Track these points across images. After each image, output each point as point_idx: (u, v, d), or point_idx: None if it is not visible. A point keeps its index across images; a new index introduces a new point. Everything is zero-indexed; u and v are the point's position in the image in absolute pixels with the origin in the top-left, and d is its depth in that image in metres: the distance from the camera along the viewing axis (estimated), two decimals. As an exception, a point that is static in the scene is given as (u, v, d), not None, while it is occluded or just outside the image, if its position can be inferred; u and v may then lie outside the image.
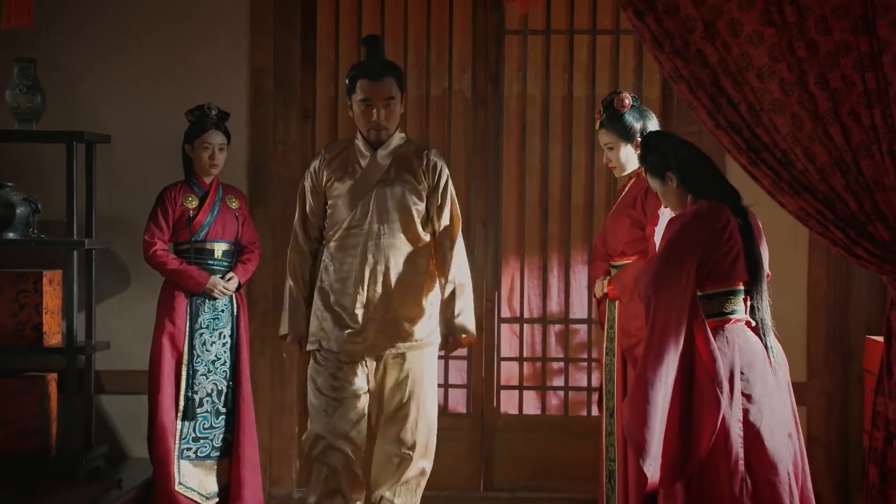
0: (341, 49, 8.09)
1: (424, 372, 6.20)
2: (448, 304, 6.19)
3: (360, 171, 6.06)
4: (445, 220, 6.13)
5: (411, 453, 6.22)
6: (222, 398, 7.16)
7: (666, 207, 5.88)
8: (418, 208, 6.05)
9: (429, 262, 6.14)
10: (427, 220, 6.14)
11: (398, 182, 6.03)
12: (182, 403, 7.08)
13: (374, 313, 6.02)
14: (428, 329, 6.19)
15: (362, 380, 6.11)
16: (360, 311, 6.01)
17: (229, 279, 7.10)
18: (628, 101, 6.30)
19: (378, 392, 6.21)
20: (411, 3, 8.00)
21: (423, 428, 6.24)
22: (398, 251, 6.02)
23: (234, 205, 7.21)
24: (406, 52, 7.95)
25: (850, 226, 5.01)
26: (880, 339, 5.37)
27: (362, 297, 6.01)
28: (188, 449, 7.09)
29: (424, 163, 6.09)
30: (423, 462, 6.30)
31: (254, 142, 7.81)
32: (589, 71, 8.07)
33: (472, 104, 8.01)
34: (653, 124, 6.33)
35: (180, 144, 7.28)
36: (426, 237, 6.10)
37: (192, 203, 7.14)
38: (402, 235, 6.02)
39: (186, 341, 7.11)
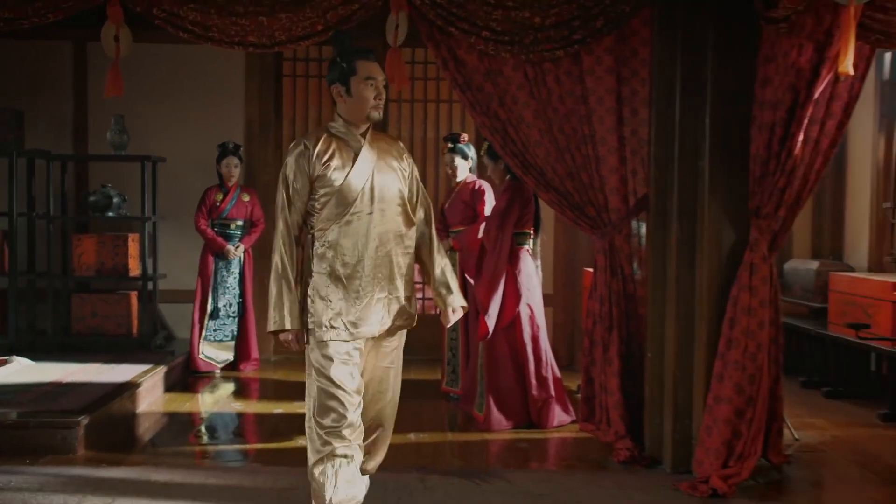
0: (297, 110, 8.12)
1: (401, 345, 3.94)
2: (444, 282, 3.93)
3: (356, 158, 3.69)
4: (422, 207, 3.91)
5: (386, 427, 3.96)
6: (232, 308, 7.27)
7: (485, 198, 6.13)
8: (405, 193, 3.80)
9: (414, 243, 3.87)
10: (411, 205, 3.85)
11: (388, 168, 3.76)
12: (209, 309, 7.21)
13: (379, 293, 3.71)
14: (414, 306, 3.88)
15: (361, 361, 3.75)
16: (369, 295, 3.68)
17: (237, 247, 7.22)
18: (466, 137, 6.35)
19: (368, 367, 3.83)
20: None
21: (395, 402, 3.95)
22: (395, 234, 3.74)
23: (246, 198, 7.29)
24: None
25: (576, 208, 5.09)
26: (591, 270, 5.56)
27: (370, 281, 3.68)
28: (209, 335, 7.22)
29: (403, 152, 3.88)
30: (389, 430, 3.99)
31: (248, 160, 7.82)
32: (435, 123, 8.17)
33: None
34: (473, 151, 6.36)
35: (208, 163, 7.35)
36: (412, 219, 3.83)
37: (219, 197, 7.26)
38: (396, 219, 3.75)
39: (212, 276, 7.22)
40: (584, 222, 5.10)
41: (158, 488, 4.34)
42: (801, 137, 4.36)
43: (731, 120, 4.53)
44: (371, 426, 3.87)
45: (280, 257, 3.67)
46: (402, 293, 3.78)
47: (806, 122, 4.34)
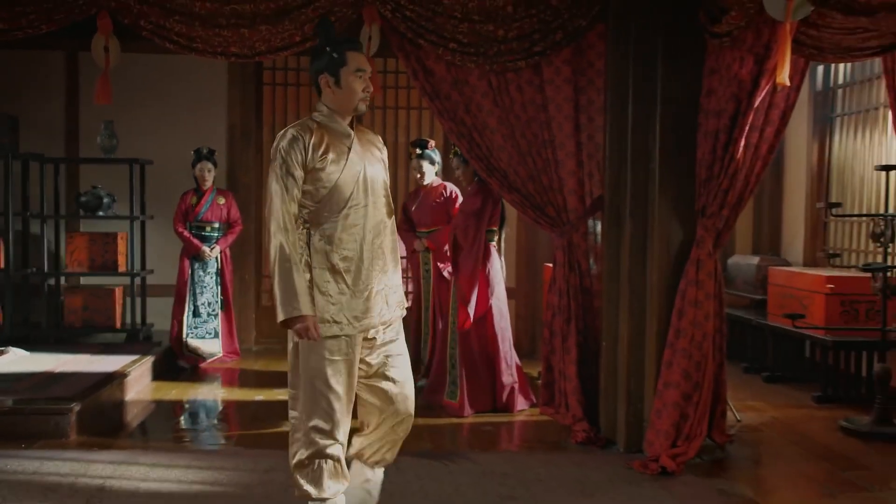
0: (276, 116, 8.08)
1: (403, 334, 3.58)
2: (399, 284, 3.57)
3: (349, 150, 3.35)
4: (391, 201, 3.55)
5: (410, 416, 3.57)
6: (212, 306, 7.15)
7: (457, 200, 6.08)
8: (387, 184, 3.50)
9: (396, 233, 3.54)
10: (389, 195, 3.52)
11: (375, 160, 3.46)
12: (191, 308, 7.09)
13: (378, 286, 3.40)
14: (402, 293, 3.56)
15: (356, 357, 3.40)
16: (370, 287, 3.37)
17: (212, 248, 7.08)
18: (433, 143, 6.30)
19: (367, 359, 3.47)
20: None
21: (412, 388, 3.56)
22: (384, 225, 3.44)
23: (221, 201, 7.14)
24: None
25: (536, 208, 5.07)
26: (550, 265, 5.56)
27: (368, 273, 3.36)
28: (191, 332, 7.09)
29: (382, 144, 3.57)
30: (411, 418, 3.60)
31: (230, 164, 7.79)
32: (406, 128, 8.16)
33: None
34: (439, 156, 6.30)
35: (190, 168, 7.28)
36: (392, 210, 3.51)
37: (194, 201, 7.11)
38: (383, 210, 3.44)
39: (190, 275, 7.09)
40: (545, 221, 5.10)
41: (146, 470, 4.31)
42: (742, 143, 4.40)
43: (679, 126, 4.55)
44: (400, 420, 3.53)
45: (282, 246, 3.24)
46: (394, 283, 3.49)
47: (747, 128, 4.38)
